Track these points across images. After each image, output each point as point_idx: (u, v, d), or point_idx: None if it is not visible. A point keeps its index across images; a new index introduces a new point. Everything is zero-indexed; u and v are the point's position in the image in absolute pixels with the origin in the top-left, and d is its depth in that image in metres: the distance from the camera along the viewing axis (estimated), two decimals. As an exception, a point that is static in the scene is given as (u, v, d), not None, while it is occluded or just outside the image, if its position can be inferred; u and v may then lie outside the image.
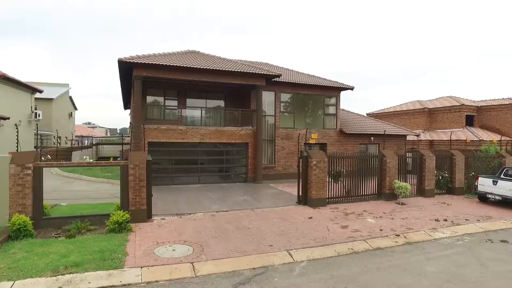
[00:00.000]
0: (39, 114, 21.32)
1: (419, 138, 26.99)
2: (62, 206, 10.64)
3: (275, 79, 17.20)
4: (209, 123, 17.61)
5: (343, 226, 8.58)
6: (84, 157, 13.06)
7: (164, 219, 9.21)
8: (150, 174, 9.34)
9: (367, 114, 38.15)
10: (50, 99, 28.34)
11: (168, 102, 17.84)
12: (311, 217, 9.40)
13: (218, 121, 17.89)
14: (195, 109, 17.52)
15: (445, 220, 9.47)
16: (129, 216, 8.11)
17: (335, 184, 11.80)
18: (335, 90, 19.41)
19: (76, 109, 39.66)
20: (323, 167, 10.68)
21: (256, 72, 15.41)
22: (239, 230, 8.14)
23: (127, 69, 14.45)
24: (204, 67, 14.45)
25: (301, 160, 10.95)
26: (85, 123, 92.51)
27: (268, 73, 15.69)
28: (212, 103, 18.41)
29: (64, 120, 33.83)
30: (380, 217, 9.67)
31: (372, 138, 20.42)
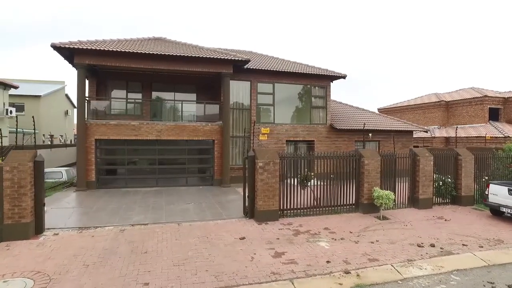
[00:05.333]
0: (11, 111, 20.21)
1: (433, 135, 23.56)
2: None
3: (251, 67, 14.92)
4: (178, 118, 15.52)
5: (277, 254, 6.16)
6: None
7: (57, 234, 7.22)
8: (41, 178, 7.38)
9: (378, 109, 34.86)
10: (38, 96, 27.48)
11: (131, 96, 15.97)
12: (243, 238, 7.03)
13: (187, 116, 15.81)
14: (147, 101, 15.55)
15: (432, 245, 6.78)
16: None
17: (302, 191, 9.37)
18: (324, 79, 16.74)
19: (74, 107, 39.08)
20: (273, 171, 8.25)
21: (218, 57, 13.11)
22: (131, 255, 5.96)
23: (71, 57, 12.65)
24: (154, 53, 12.36)
25: (246, 160, 8.58)
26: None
27: (233, 58, 13.34)
28: (182, 96, 16.32)
29: (58, 118, 33.13)
30: (341, 239, 7.12)
31: (370, 134, 17.54)
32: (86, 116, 14.18)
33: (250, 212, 8.50)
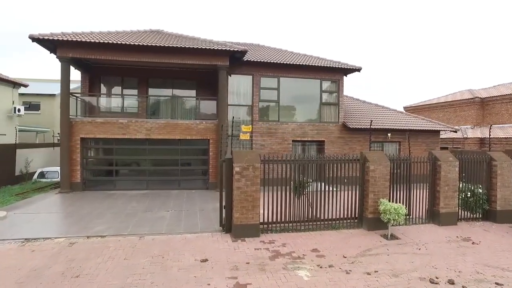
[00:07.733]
0: (19, 109, 20.23)
1: (465, 135, 20.91)
2: None
3: (253, 59, 13.61)
4: (174, 116, 14.44)
5: (238, 287, 4.76)
6: None
7: (-3, 247, 6.28)
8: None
9: (404, 107, 32.18)
10: (53, 95, 27.77)
11: (126, 92, 15.16)
12: (205, 260, 5.69)
13: (187, 115, 14.70)
14: (133, 98, 14.63)
15: (451, 282, 5.07)
16: None
17: (296, 201, 7.89)
18: (336, 72, 15.01)
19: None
20: (253, 177, 6.83)
21: (212, 48, 11.85)
22: (56, 281, 4.83)
23: (55, 49, 11.95)
24: (135, 43, 11.31)
25: (224, 164, 7.22)
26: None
27: (229, 48, 12.02)
28: (181, 93, 15.25)
29: (75, 117, 33.59)
30: (330, 266, 5.58)
31: (389, 134, 15.60)
32: (77, 113, 13.57)
33: (227, 225, 7.15)
